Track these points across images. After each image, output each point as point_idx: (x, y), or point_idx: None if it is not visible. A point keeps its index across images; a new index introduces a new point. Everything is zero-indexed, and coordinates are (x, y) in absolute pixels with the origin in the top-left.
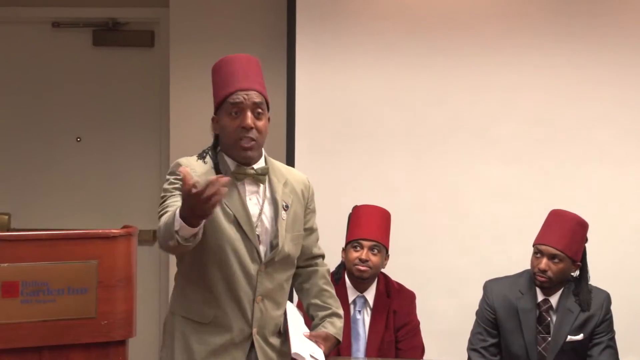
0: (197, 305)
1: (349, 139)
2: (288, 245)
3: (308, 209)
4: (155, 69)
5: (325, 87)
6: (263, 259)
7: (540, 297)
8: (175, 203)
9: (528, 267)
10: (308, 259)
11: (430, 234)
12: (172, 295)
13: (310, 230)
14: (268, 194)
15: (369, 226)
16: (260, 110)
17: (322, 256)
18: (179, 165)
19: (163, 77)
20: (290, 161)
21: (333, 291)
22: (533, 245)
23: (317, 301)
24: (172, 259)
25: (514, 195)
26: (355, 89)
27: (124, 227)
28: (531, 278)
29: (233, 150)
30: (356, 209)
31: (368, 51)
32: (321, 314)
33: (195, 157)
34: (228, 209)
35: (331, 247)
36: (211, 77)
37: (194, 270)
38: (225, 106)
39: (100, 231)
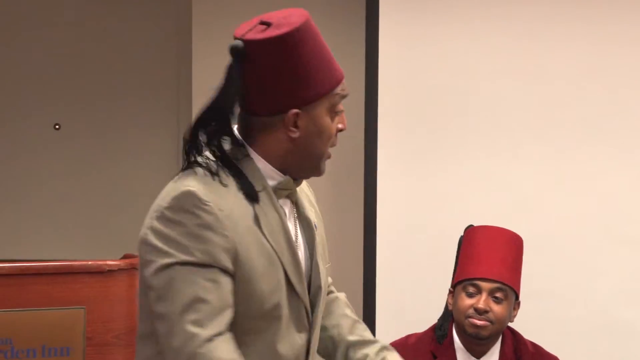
0: None
1: (458, 129)
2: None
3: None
4: (170, 25)
5: (423, 51)
6: (312, 321)
7: None
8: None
9: None
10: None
11: (582, 270)
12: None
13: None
14: (295, 211)
15: (491, 260)
16: None
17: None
18: (195, 197)
19: (181, 37)
20: (370, 163)
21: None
22: None
23: (356, 337)
24: None
25: None
26: (467, 53)
27: (125, 256)
28: None
29: (318, 163)
30: (471, 232)
31: None
32: (371, 350)
33: (204, 175)
34: (272, 251)
35: (429, 288)
36: (289, 50)
37: None
38: (329, 101)
39: (89, 263)
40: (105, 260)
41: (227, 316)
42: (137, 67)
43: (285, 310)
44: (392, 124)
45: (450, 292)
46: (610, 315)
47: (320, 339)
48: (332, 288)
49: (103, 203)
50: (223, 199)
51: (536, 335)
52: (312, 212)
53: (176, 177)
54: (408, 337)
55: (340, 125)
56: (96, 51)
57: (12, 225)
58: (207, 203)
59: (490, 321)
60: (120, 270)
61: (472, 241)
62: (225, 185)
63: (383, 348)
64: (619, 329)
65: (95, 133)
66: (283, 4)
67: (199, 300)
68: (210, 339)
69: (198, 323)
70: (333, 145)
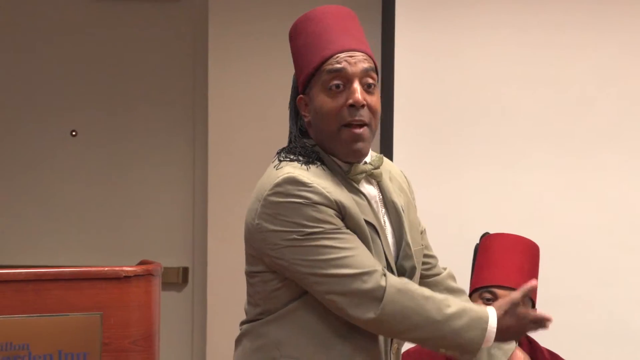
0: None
1: (473, 136)
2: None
3: (416, 208)
4: (186, 30)
5: (439, 56)
6: None
7: None
8: (364, 259)
9: None
10: (428, 267)
11: (599, 277)
12: (265, 339)
13: (424, 232)
14: (379, 195)
15: (507, 267)
16: (371, 80)
17: (436, 259)
18: (299, 182)
19: (197, 42)
20: None
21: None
22: None
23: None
24: (212, 308)
25: None
26: (485, 58)
27: (142, 263)
28: None
29: (336, 143)
30: (487, 240)
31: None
32: None
33: (297, 164)
34: (368, 225)
35: None
36: (291, 45)
37: (309, 313)
38: (319, 78)
39: (106, 269)
40: (122, 266)
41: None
42: (153, 73)
43: None
44: (407, 131)
45: None
46: (627, 323)
47: None
48: (434, 261)
49: (119, 209)
50: (323, 179)
51: (553, 342)
52: (401, 198)
53: (270, 169)
54: None
55: (350, 101)
56: (112, 57)
57: (28, 232)
58: (311, 184)
59: None
60: (136, 276)
61: (488, 249)
62: (324, 171)
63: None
64: (636, 337)
65: (111, 139)
66: (301, 9)
67: (351, 250)
68: (385, 273)
69: (367, 263)
70: (348, 122)
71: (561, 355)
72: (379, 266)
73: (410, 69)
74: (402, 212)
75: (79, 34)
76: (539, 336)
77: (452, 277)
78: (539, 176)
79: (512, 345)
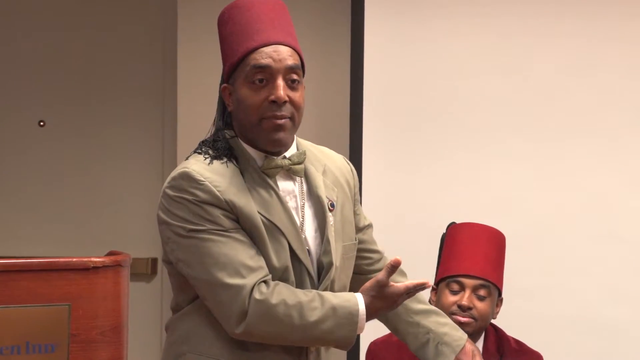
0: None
1: (443, 126)
2: (340, 261)
3: (356, 202)
4: (155, 21)
5: (409, 44)
6: (317, 285)
7: None
8: (248, 260)
9: None
10: (369, 262)
11: (566, 267)
12: (178, 333)
13: (369, 226)
14: (305, 189)
15: (474, 256)
16: (295, 76)
17: (381, 253)
18: (192, 178)
19: (166, 34)
20: (355, 158)
21: None
22: None
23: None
24: None
25: None
26: (456, 46)
27: (110, 253)
28: None
29: (256, 133)
30: (454, 229)
31: None
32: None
33: (202, 158)
34: (269, 223)
35: None
36: (219, 32)
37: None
38: (243, 70)
39: (74, 260)
40: (90, 257)
41: (261, 262)
42: (122, 65)
43: (286, 275)
44: (377, 120)
45: (433, 289)
46: (593, 312)
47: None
48: (380, 256)
49: (88, 200)
50: (220, 176)
51: (519, 332)
52: (333, 191)
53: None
54: (392, 333)
55: (271, 97)
56: (81, 48)
57: (1, 224)
58: (202, 182)
59: (474, 318)
60: (105, 267)
61: (455, 238)
62: (227, 167)
63: (448, 324)
64: (601, 326)
65: (80, 130)
66: None
67: (227, 257)
68: (256, 285)
69: (238, 275)
70: (266, 116)
71: (529, 345)
72: (254, 277)
73: (380, 56)
74: (326, 207)
75: (46, 24)
76: (506, 325)
77: (399, 272)
78: (508, 165)
79: (462, 341)
